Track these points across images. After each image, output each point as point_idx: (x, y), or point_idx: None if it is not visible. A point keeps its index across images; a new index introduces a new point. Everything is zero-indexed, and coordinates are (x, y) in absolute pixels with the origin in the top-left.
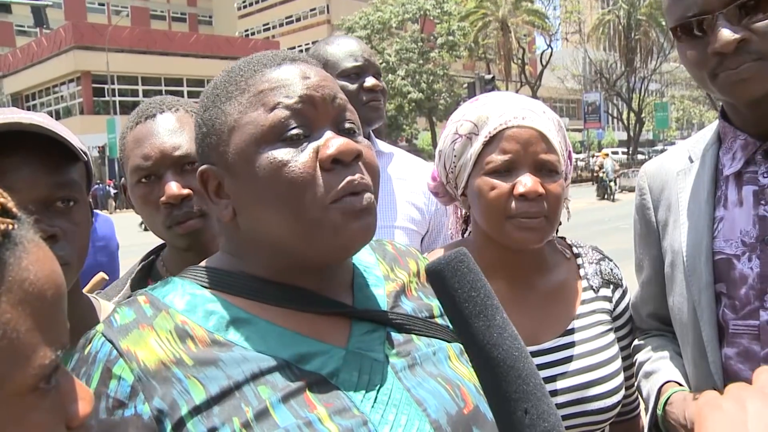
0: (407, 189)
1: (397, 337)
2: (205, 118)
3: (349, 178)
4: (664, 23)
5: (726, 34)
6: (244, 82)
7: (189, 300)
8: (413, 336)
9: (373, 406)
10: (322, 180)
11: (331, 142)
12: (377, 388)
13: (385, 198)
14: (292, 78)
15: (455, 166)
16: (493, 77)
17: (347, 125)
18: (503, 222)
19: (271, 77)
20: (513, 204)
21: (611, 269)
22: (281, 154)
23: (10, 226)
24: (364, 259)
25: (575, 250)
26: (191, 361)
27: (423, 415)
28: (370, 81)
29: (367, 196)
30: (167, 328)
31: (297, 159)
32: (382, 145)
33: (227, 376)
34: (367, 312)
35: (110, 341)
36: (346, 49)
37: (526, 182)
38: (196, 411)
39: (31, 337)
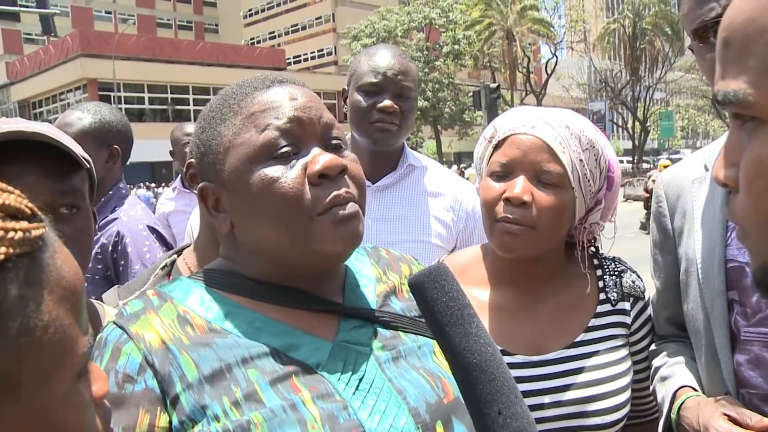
0: (437, 205)
1: (384, 333)
2: (202, 139)
3: (335, 193)
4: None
5: None
6: (236, 104)
7: (192, 295)
8: (400, 333)
9: (354, 393)
10: (310, 194)
11: (318, 159)
12: (360, 377)
13: (416, 213)
14: (281, 100)
15: (480, 168)
16: (498, 86)
17: (334, 142)
18: (492, 224)
19: (261, 99)
20: (500, 207)
21: (632, 281)
22: (272, 171)
23: (44, 230)
24: (357, 263)
25: (597, 262)
26: (188, 341)
27: (403, 402)
28: (384, 102)
29: (352, 204)
30: (171, 315)
31: (287, 175)
32: (415, 159)
33: (219, 358)
34: (354, 309)
35: (120, 327)
36: (371, 63)
37: (515, 187)
38: (189, 388)
39: (73, 330)
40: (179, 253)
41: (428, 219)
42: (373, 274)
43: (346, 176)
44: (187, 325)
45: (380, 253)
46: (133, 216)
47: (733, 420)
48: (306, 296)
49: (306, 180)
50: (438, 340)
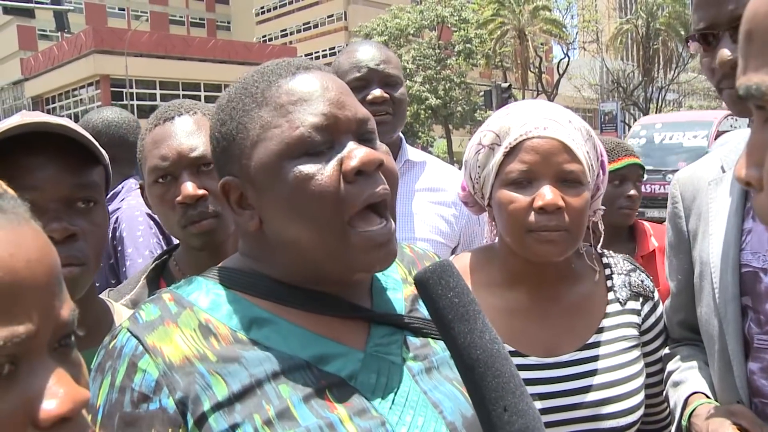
0: (438, 201)
1: (414, 341)
2: (223, 132)
3: (369, 192)
4: (683, 33)
5: (724, 53)
6: (260, 94)
7: (213, 299)
8: (430, 340)
9: (390, 408)
10: (345, 192)
11: (354, 153)
12: (395, 390)
13: (416, 210)
14: (312, 92)
15: (479, 177)
16: (510, 85)
17: (367, 136)
18: (523, 235)
19: (289, 89)
20: (532, 217)
21: (642, 281)
22: (307, 168)
23: None
24: None
25: (605, 261)
26: (215, 357)
27: (439, 417)
28: (373, 93)
29: (389, 227)
30: (192, 325)
31: (322, 172)
32: (414, 154)
33: (249, 373)
34: (385, 316)
35: (136, 337)
36: (352, 60)
37: (546, 195)
38: (218, 407)
39: None
40: (170, 253)
41: (429, 216)
42: (400, 275)
43: (380, 171)
44: (210, 336)
45: (404, 251)
46: (132, 204)
47: (743, 430)
48: (334, 301)
49: (341, 177)
50: (443, 337)
